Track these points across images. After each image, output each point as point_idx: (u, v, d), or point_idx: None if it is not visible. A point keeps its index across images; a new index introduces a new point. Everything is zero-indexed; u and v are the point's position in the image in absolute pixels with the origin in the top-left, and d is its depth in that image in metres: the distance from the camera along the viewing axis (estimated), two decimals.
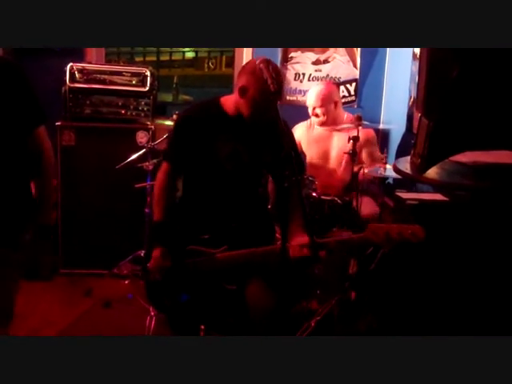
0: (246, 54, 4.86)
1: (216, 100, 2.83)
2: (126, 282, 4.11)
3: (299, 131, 4.22)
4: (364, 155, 4.13)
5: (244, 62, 4.76)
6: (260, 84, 2.52)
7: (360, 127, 3.71)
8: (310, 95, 4.15)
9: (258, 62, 2.44)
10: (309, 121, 4.28)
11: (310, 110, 4.15)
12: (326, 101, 4.08)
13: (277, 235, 2.94)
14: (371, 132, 4.20)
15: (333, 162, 4.15)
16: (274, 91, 2.34)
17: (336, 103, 4.12)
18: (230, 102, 2.78)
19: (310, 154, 4.17)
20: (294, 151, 2.26)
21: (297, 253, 2.47)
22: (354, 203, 3.63)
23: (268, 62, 2.44)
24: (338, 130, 4.03)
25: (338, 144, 4.07)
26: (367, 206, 3.75)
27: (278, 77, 2.47)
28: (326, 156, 4.18)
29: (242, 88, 2.66)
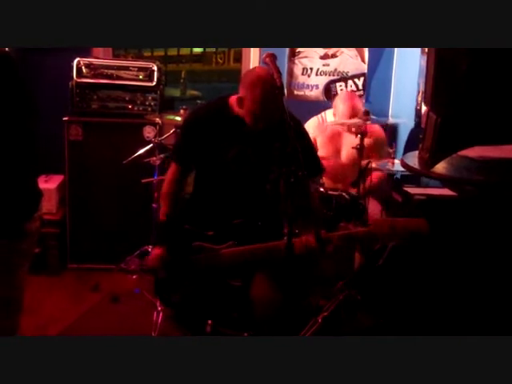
0: (253, 49, 4.77)
1: (225, 100, 2.81)
2: (134, 276, 4.12)
3: (313, 128, 4.19)
4: (373, 154, 4.12)
5: (252, 57, 4.75)
6: (254, 95, 2.59)
7: (369, 122, 3.69)
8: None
9: (264, 56, 2.44)
10: (319, 116, 4.25)
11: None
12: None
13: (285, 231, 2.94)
14: (381, 133, 4.16)
15: (343, 159, 4.15)
16: (280, 85, 2.33)
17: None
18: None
19: (323, 151, 4.15)
20: (301, 146, 2.24)
21: (302, 249, 2.46)
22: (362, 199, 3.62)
23: (274, 57, 2.42)
24: (348, 126, 4.00)
25: (349, 142, 4.05)
26: (370, 208, 3.74)
27: (280, 75, 2.43)
28: (337, 153, 4.18)
29: (239, 99, 2.68)
